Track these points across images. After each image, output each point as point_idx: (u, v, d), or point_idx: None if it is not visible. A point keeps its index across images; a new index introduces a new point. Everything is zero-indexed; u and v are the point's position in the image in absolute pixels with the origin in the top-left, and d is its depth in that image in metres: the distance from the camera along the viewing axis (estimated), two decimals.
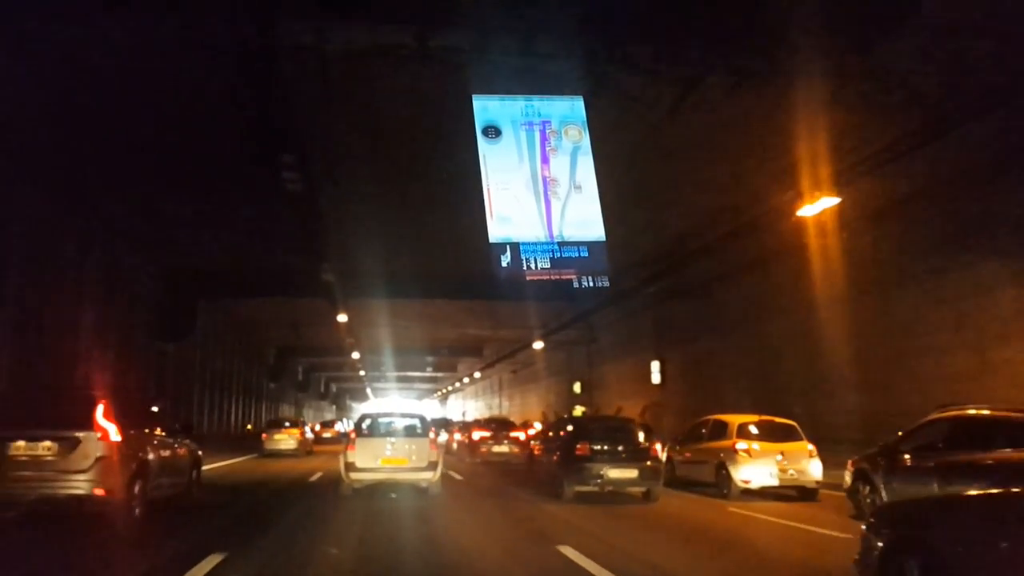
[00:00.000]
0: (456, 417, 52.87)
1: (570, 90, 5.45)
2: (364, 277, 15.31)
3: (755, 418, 10.14)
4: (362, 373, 45.75)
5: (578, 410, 28.76)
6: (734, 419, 10.13)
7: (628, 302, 17.70)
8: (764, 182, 9.38)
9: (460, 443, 20.40)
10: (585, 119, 5.38)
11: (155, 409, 8.48)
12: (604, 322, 22.65)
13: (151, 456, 6.98)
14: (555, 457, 9.77)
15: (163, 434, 7.72)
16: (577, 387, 28.55)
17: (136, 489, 6.46)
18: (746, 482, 9.36)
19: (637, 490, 9.16)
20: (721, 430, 10.10)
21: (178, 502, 7.68)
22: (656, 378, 19.80)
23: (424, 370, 47.73)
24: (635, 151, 8.24)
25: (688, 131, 7.73)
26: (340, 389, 73.40)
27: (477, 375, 42.88)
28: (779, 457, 9.39)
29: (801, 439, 9.71)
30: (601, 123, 5.74)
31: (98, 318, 12.69)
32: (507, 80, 5.37)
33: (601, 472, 8.79)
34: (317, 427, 31.86)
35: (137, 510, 6.44)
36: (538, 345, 25.97)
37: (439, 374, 51.96)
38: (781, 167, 8.43)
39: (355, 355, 32.75)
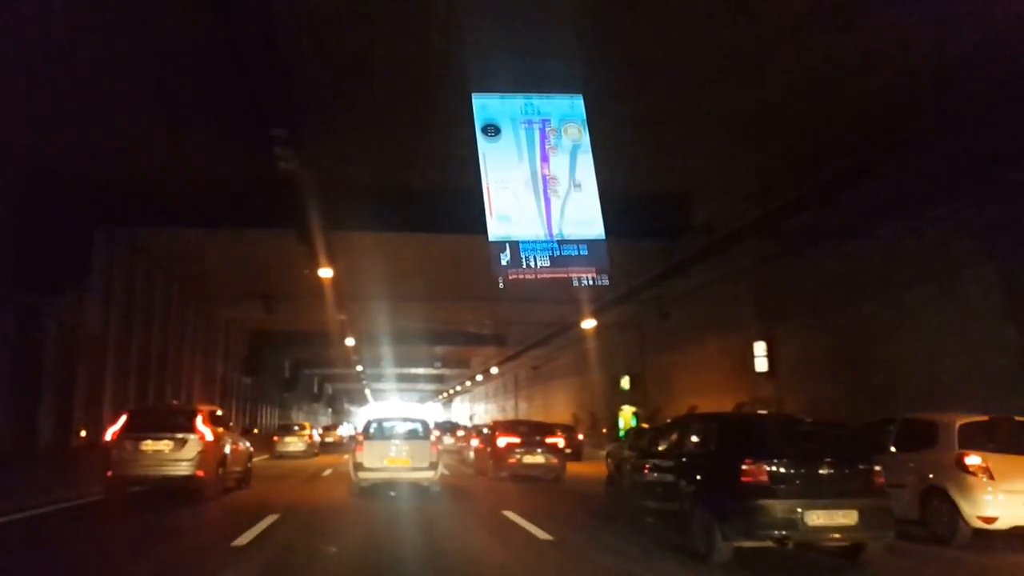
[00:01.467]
0: (463, 422, 54.90)
1: (569, 88, 6.49)
2: (345, 197, 11.97)
3: (984, 417, 7.84)
4: (359, 369, 46.93)
5: (626, 411, 27.83)
6: (951, 419, 7.83)
7: (721, 259, 14.90)
8: None
9: (479, 451, 19.06)
10: (584, 117, 6.43)
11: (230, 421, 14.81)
12: (672, 295, 20.15)
13: (228, 450, 12.34)
14: (682, 483, 7.24)
15: (233, 435, 13.41)
16: (625, 382, 27.52)
17: (220, 472, 11.72)
18: (988, 520, 7.07)
19: (842, 543, 6.60)
20: (926, 435, 7.92)
21: (241, 483, 13.45)
22: (761, 365, 17.53)
23: (433, 366, 48.83)
24: None
25: None
26: (336, 391, 76.73)
27: (494, 370, 43.57)
28: None
29: None
30: None
31: None
32: (507, 78, 6.43)
33: (793, 515, 6.13)
34: (320, 431, 37.36)
35: (220, 486, 11.72)
36: (589, 324, 23.59)
37: (447, 371, 53.22)
38: None
39: (350, 342, 31.19)
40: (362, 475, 12.65)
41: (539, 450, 16.14)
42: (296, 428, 29.56)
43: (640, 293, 19.13)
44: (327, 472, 18.27)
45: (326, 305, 21.30)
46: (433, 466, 12.69)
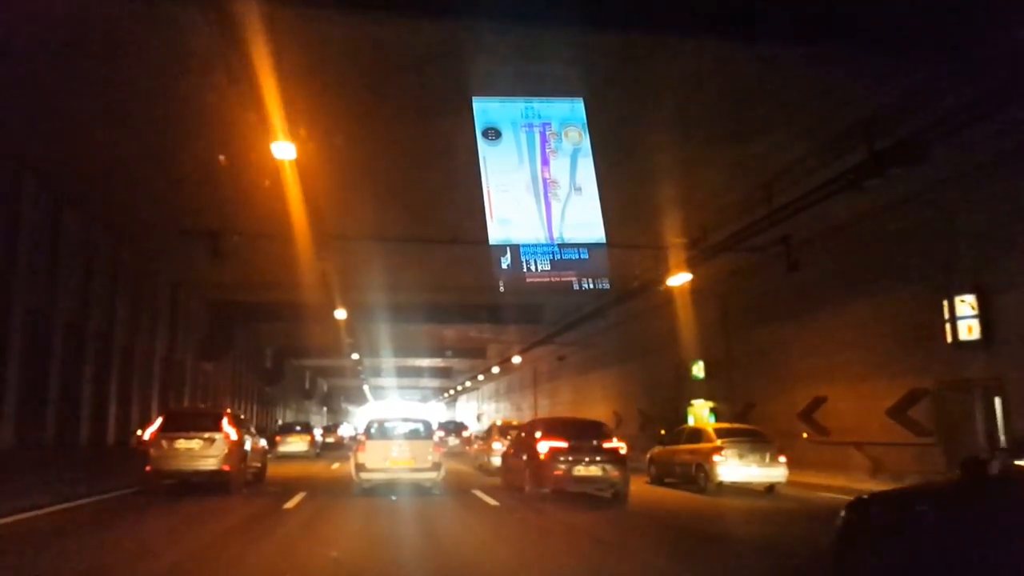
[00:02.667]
0: (468, 421, 57.40)
1: (570, 91, 7.76)
2: None
3: None
4: (355, 357, 48.04)
5: (698, 407, 26.09)
6: None
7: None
8: None
9: (509, 458, 17.66)
10: (585, 121, 7.72)
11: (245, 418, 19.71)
12: (809, 233, 17.06)
13: (249, 447, 16.53)
14: None
15: (252, 435, 17.75)
16: (698, 369, 25.69)
17: (242, 467, 15.81)
18: None
19: None
20: None
21: (257, 477, 17.89)
22: (967, 330, 14.67)
23: (443, 355, 50.00)
24: None
25: None
26: (332, 389, 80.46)
27: (516, 360, 43.97)
28: None
29: None
30: None
31: None
32: (507, 82, 7.71)
33: None
34: (321, 431, 44.11)
35: (242, 479, 15.82)
36: (679, 279, 19.08)
37: (456, 363, 54.51)
38: None
39: (340, 315, 27.85)
40: (364, 476, 15.22)
41: (597, 458, 14.83)
42: (298, 429, 36.15)
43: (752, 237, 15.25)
44: (292, 502, 13.85)
45: (297, 247, 17.84)
46: (436, 467, 15.30)
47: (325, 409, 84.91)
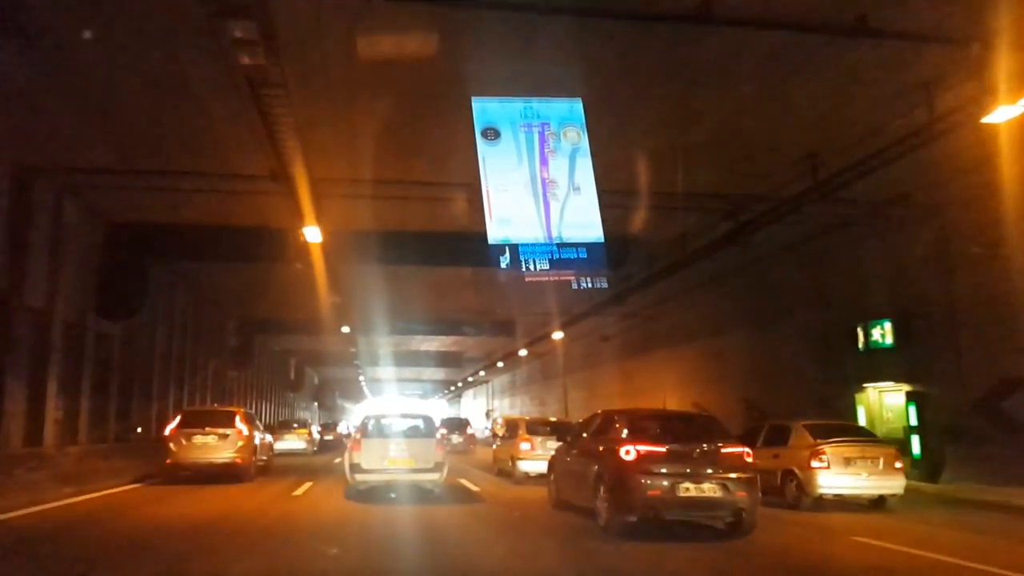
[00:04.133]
0: (475, 419, 60.93)
1: (569, 92, 10.02)
2: None
3: None
4: (346, 331, 48.85)
5: (872, 392, 22.88)
6: None
7: None
8: None
9: (562, 464, 16.63)
10: (584, 121, 10.00)
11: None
12: None
13: (258, 442, 24.15)
14: None
15: (261, 431, 26.29)
16: (882, 333, 21.74)
17: (252, 460, 23.19)
18: None
19: None
20: None
21: (265, 469, 25.87)
22: None
23: (460, 330, 51.52)
24: None
25: None
26: (324, 382, 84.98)
27: (557, 335, 43.12)
28: None
29: None
30: None
31: None
32: (506, 82, 9.96)
33: None
34: (319, 428, 54.69)
35: (253, 471, 23.21)
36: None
37: (471, 343, 56.52)
38: None
39: (313, 235, 20.19)
40: (360, 477, 17.71)
41: (709, 471, 12.94)
42: (295, 426, 47.27)
43: None
44: None
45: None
46: (438, 467, 17.83)
47: (316, 405, 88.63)
